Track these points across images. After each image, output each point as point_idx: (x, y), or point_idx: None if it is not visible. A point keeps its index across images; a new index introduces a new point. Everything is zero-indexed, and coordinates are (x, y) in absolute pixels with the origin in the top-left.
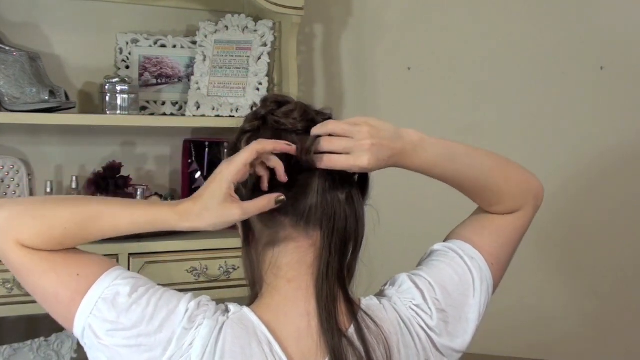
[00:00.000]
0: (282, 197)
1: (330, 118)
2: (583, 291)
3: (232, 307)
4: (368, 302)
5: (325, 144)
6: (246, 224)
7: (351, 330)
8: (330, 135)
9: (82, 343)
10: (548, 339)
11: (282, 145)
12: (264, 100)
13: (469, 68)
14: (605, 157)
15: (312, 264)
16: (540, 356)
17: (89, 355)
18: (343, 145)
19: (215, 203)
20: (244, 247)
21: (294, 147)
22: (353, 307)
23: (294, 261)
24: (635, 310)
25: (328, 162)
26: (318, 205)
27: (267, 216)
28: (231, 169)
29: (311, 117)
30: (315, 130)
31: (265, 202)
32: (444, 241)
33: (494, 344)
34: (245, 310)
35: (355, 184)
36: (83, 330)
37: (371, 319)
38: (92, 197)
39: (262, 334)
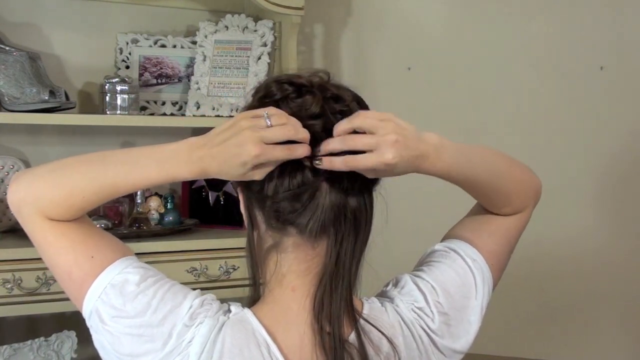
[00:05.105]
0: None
1: (348, 108)
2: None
3: (234, 307)
4: (370, 306)
5: (348, 142)
6: (251, 222)
7: (352, 337)
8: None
9: (88, 325)
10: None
11: (301, 152)
12: (278, 82)
13: (469, 68)
14: (605, 157)
15: (317, 274)
16: (541, 356)
17: (93, 338)
18: (366, 142)
19: (234, 174)
20: (247, 245)
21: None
22: (354, 314)
23: (299, 270)
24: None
25: (349, 164)
26: (326, 218)
27: (272, 221)
28: (261, 159)
29: (331, 110)
30: (341, 127)
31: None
32: (443, 240)
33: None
34: (247, 312)
35: (366, 181)
36: (90, 313)
37: (372, 324)
38: (107, 158)
39: (260, 336)
